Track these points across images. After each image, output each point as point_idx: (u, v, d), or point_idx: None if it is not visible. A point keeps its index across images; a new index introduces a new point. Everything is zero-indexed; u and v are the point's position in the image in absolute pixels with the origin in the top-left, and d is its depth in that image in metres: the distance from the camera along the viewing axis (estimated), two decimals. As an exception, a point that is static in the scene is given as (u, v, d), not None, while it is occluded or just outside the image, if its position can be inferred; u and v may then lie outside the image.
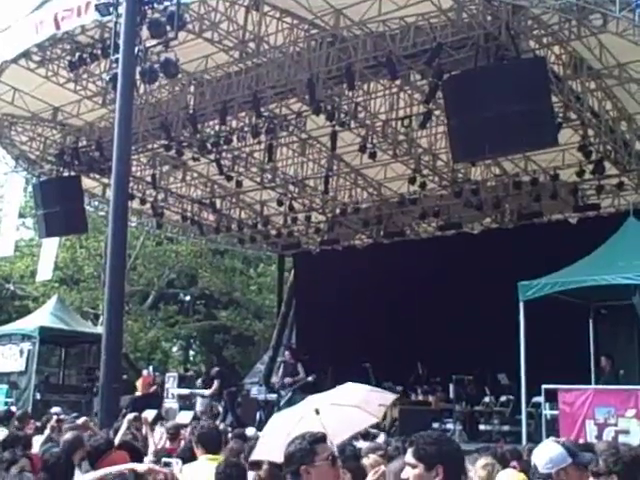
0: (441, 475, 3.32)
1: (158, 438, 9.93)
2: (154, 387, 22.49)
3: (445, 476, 3.32)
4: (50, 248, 25.24)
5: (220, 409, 19.25)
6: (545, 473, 5.09)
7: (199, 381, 21.71)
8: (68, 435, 7.25)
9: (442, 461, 3.35)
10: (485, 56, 13.42)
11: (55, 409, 16.63)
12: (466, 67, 13.78)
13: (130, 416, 9.01)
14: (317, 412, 6.05)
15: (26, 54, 16.15)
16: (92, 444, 6.75)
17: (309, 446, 3.95)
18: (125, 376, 23.28)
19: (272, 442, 6.74)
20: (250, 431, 10.59)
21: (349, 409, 6.75)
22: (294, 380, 18.25)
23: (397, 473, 4.08)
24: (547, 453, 5.19)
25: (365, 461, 6.48)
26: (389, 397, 7.47)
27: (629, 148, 17.67)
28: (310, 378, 18.03)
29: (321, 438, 4.05)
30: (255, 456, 6.80)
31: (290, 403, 17.46)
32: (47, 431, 8.93)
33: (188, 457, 7.10)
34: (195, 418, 16.87)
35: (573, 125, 16.67)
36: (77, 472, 6.38)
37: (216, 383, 19.37)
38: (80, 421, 9.82)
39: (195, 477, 5.92)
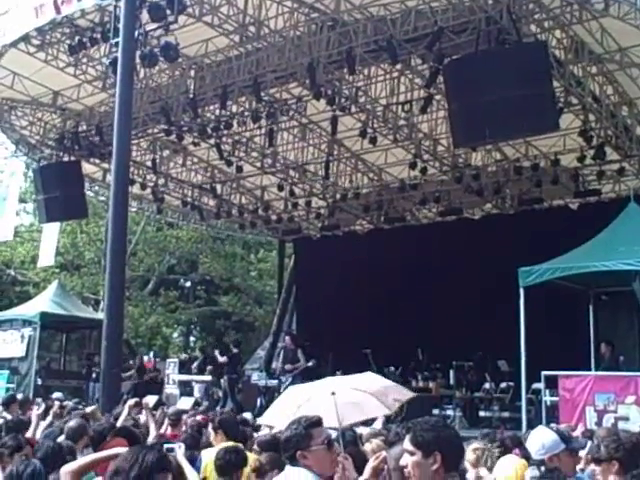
0: (439, 462, 3.30)
1: (159, 423, 9.94)
2: (154, 373, 22.55)
3: (443, 462, 3.30)
4: (51, 234, 25.21)
5: (220, 394, 19.32)
6: (538, 459, 5.10)
7: (194, 365, 21.72)
8: (72, 422, 7.23)
9: (439, 448, 3.33)
10: (486, 40, 13.33)
11: (57, 394, 16.70)
12: (467, 51, 13.69)
13: (131, 402, 9.01)
14: (333, 393, 6.10)
15: (25, 38, 16.06)
16: (96, 429, 6.76)
17: (304, 431, 3.95)
18: (132, 362, 23.33)
19: (280, 410, 6.83)
20: (246, 416, 10.61)
21: (365, 395, 6.87)
22: (294, 367, 18.27)
23: (398, 458, 4.07)
24: (540, 439, 5.20)
25: (367, 446, 6.49)
26: (406, 393, 7.55)
27: (630, 133, 17.62)
28: (310, 363, 18.04)
29: (317, 422, 4.06)
30: (261, 420, 6.95)
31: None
32: (49, 417, 8.90)
33: (192, 443, 7.15)
34: (196, 404, 16.97)
35: (574, 110, 16.60)
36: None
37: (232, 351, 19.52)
38: (89, 409, 9.80)
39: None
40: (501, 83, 12.50)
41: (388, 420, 14.86)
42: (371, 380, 7.27)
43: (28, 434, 7.48)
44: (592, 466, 5.03)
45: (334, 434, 7.16)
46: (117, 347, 12.08)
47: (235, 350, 20.10)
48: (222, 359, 19.57)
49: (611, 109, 16.91)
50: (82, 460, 4.28)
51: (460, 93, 13.31)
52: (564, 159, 19.72)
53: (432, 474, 3.31)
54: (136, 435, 6.51)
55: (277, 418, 6.82)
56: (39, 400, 13.81)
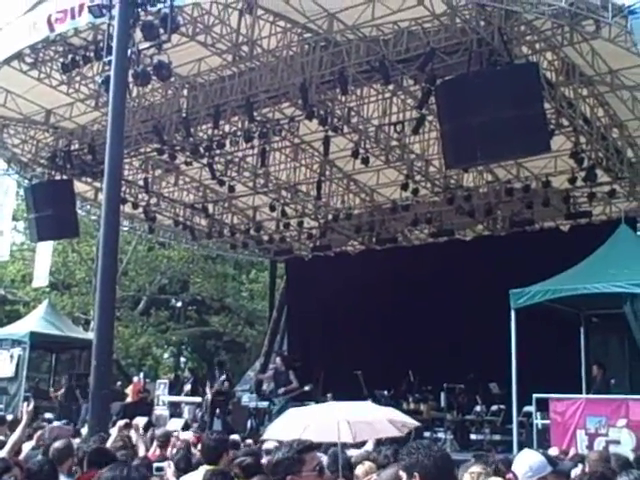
0: None
1: (148, 444, 9.86)
2: (144, 394, 22.38)
3: None
4: (45, 253, 25.13)
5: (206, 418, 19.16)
6: None
7: (187, 387, 21.46)
8: (58, 443, 7.14)
9: (418, 470, 3.44)
10: (478, 61, 13.39)
11: (47, 415, 16.56)
12: (459, 72, 13.75)
13: (121, 423, 8.93)
14: (343, 413, 6.21)
15: (19, 56, 16.07)
16: (85, 450, 6.67)
17: (297, 455, 3.89)
18: (119, 383, 23.17)
19: (286, 427, 6.83)
20: (234, 438, 10.52)
21: (377, 416, 7.00)
22: (286, 389, 18.15)
23: (389, 480, 4.06)
24: (527, 462, 5.17)
25: (359, 469, 6.47)
26: (412, 422, 7.85)
27: (621, 155, 17.67)
28: (307, 388, 17.95)
29: (309, 447, 3.99)
30: (267, 435, 6.94)
31: (281, 412, 17.44)
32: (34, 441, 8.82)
33: (183, 465, 7.08)
34: (186, 425, 16.83)
35: (565, 132, 16.66)
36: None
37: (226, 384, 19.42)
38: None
39: None
40: (493, 104, 12.54)
41: (379, 443, 14.80)
42: (377, 407, 7.49)
43: (16, 433, 7.50)
44: None
45: (325, 459, 7.14)
46: (107, 368, 11.96)
47: (225, 375, 19.88)
48: (224, 386, 19.44)
49: (602, 131, 16.97)
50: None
51: (452, 114, 13.34)
52: (555, 181, 19.77)
53: None
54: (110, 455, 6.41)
55: (284, 433, 6.79)
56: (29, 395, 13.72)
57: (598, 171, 18.04)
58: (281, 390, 18.15)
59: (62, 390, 21.96)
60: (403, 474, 3.52)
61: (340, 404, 7.53)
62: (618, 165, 17.76)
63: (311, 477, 3.86)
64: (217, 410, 18.94)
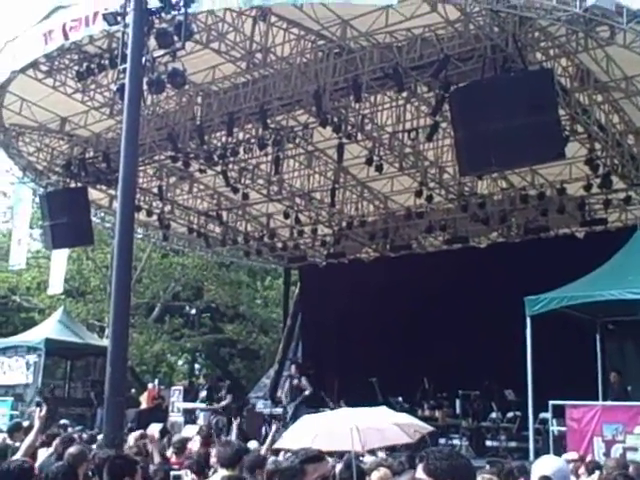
0: None
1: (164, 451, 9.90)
2: (159, 400, 22.41)
3: None
4: (60, 261, 25.23)
5: (224, 422, 19.17)
6: None
7: (203, 394, 21.46)
8: (72, 449, 7.16)
9: (452, 476, 3.28)
10: (492, 68, 13.37)
11: (63, 421, 16.61)
12: (473, 79, 13.73)
13: (136, 434, 8.96)
14: (353, 420, 6.16)
15: (34, 64, 16.16)
16: (100, 456, 6.68)
17: (299, 465, 3.82)
18: (133, 390, 23.19)
19: (298, 436, 6.84)
20: (252, 444, 10.53)
21: (387, 424, 6.95)
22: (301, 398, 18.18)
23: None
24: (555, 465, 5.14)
25: (374, 475, 6.47)
26: (426, 427, 7.88)
27: (636, 162, 17.60)
28: (307, 392, 17.89)
29: (313, 458, 3.93)
30: (279, 444, 6.96)
31: (295, 418, 17.42)
32: (52, 448, 8.84)
33: (198, 469, 7.11)
34: (200, 432, 16.81)
35: (580, 138, 16.63)
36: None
37: (229, 398, 19.42)
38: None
39: None
40: (507, 111, 12.50)
41: (393, 450, 14.76)
42: (390, 412, 7.42)
43: (29, 438, 7.55)
44: None
45: (339, 466, 7.14)
46: (121, 374, 11.98)
47: (229, 396, 19.92)
48: (225, 402, 19.49)
49: (617, 138, 16.91)
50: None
51: (466, 121, 13.32)
52: (570, 188, 19.69)
53: None
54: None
55: (295, 442, 6.80)
56: (40, 400, 13.77)
57: (613, 178, 17.98)
58: (294, 403, 18.07)
59: None
60: (428, 479, 3.31)
61: (350, 411, 7.51)
62: (633, 172, 17.69)
63: None
64: (231, 417, 18.92)
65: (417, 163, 20.09)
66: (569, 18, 11.91)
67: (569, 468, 5.36)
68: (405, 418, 7.69)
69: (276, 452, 8.37)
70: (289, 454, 4.02)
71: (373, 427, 6.97)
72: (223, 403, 19.48)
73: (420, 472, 3.38)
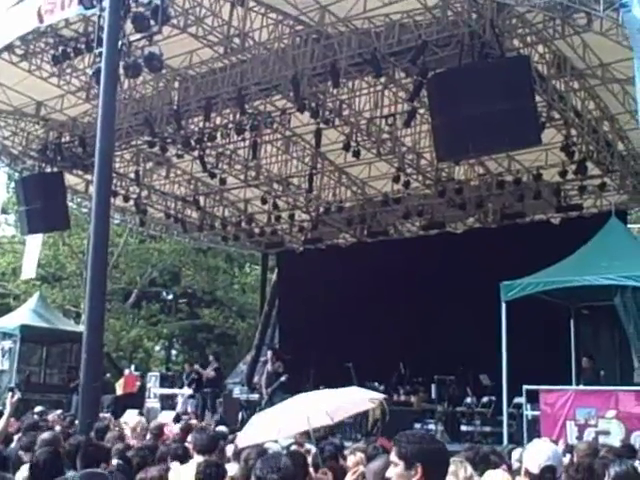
0: (419, 474, 3.32)
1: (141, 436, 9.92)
2: (137, 384, 22.41)
3: (423, 475, 3.32)
4: (34, 246, 25.03)
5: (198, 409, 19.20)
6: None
7: (186, 382, 21.38)
8: (45, 434, 7.14)
9: (421, 460, 3.35)
10: (469, 54, 13.40)
11: (38, 408, 16.53)
12: (450, 65, 13.75)
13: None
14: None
15: (9, 47, 15.97)
16: (72, 442, 6.66)
17: None
18: (108, 375, 23.11)
19: (259, 430, 6.92)
20: (221, 429, 10.57)
21: (345, 396, 7.15)
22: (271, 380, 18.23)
23: (377, 472, 4.05)
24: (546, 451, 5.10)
25: (351, 459, 6.52)
26: (378, 395, 8.33)
27: (611, 148, 17.73)
28: (283, 378, 17.94)
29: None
30: (239, 443, 6.98)
31: (271, 403, 17.49)
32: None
33: (180, 455, 7.13)
34: (177, 418, 16.86)
35: (556, 125, 16.73)
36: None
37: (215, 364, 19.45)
38: None
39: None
40: (484, 97, 12.56)
41: (368, 433, 14.87)
42: (339, 389, 7.62)
43: (0, 424, 7.55)
44: None
45: (313, 449, 7.20)
46: (97, 360, 11.96)
47: (216, 364, 19.98)
48: (208, 373, 19.46)
49: (593, 124, 17.02)
50: None
51: (443, 107, 13.35)
52: (546, 174, 19.82)
53: None
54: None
55: (259, 437, 6.88)
56: (13, 386, 13.72)
57: (589, 164, 18.12)
58: (270, 388, 18.09)
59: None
60: (399, 462, 3.41)
61: (302, 397, 7.64)
62: (609, 158, 17.83)
63: None
64: (208, 402, 18.96)
65: (394, 149, 20.09)
66: (546, 5, 11.95)
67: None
68: (356, 389, 7.94)
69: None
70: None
71: (334, 403, 7.10)
72: (209, 372, 19.40)
73: (393, 455, 3.47)
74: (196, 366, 20.43)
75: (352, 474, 5.93)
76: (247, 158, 21.33)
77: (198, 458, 6.41)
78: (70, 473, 4.18)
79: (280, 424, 7.06)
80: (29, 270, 25.66)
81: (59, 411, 15.16)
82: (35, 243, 24.85)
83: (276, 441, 7.55)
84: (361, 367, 19.23)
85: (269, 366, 18.61)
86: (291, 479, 3.83)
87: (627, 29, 10.87)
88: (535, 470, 4.85)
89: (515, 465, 7.18)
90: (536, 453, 4.99)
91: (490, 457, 6.82)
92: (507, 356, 12.92)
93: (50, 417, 13.16)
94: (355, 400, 7.67)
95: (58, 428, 10.26)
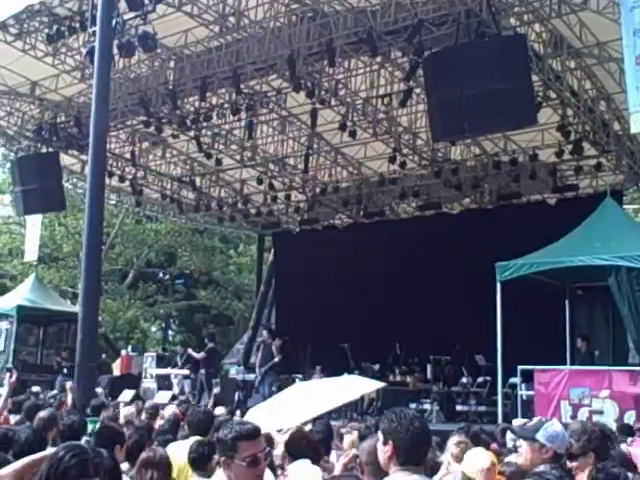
0: (390, 451, 3.50)
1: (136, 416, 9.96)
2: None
3: (394, 451, 3.49)
4: (35, 227, 25.00)
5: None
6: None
7: (180, 363, 21.41)
8: (42, 413, 7.15)
9: (394, 438, 3.51)
10: (466, 33, 13.32)
11: (35, 388, 16.58)
12: (447, 44, 13.68)
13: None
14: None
15: (3, 27, 15.90)
16: (65, 422, 6.67)
17: (231, 442, 3.79)
18: (104, 355, 23.15)
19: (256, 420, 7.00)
20: (219, 410, 10.61)
21: (344, 383, 7.19)
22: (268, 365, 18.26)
23: (370, 452, 4.09)
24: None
25: (347, 438, 6.56)
26: (377, 385, 8.67)
27: (608, 128, 17.67)
28: (276, 359, 17.98)
29: (246, 436, 3.82)
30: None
31: (263, 383, 17.59)
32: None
33: (171, 434, 7.16)
34: (173, 398, 16.92)
35: (553, 105, 16.67)
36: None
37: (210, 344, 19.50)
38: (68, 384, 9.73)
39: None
40: (480, 77, 12.50)
41: (364, 413, 14.95)
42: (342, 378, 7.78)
43: None
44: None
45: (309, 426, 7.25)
46: (93, 340, 12.01)
47: (211, 344, 19.99)
48: (199, 355, 19.50)
49: (589, 104, 16.97)
50: (24, 461, 4.03)
51: (439, 86, 13.31)
52: (542, 154, 19.80)
53: (386, 460, 3.53)
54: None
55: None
56: (11, 366, 13.77)
57: (585, 144, 18.08)
58: (263, 368, 18.11)
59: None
60: (380, 436, 3.59)
61: (301, 388, 7.80)
62: (605, 138, 17.77)
63: (240, 467, 3.73)
64: (204, 383, 19.00)
65: (391, 129, 20.05)
66: (543, -17, 11.90)
67: None
68: (355, 377, 8.09)
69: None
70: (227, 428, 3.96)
71: (337, 387, 7.17)
72: (202, 354, 19.44)
73: (379, 433, 3.65)
74: (189, 350, 20.46)
75: (344, 457, 5.98)
76: (243, 138, 21.28)
77: (193, 439, 6.44)
78: (50, 449, 4.15)
79: (281, 415, 7.10)
80: (32, 252, 25.66)
81: (53, 392, 15.20)
82: (35, 224, 24.83)
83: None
84: (357, 347, 19.30)
85: (266, 346, 18.64)
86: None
87: (623, 7, 10.82)
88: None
89: (509, 444, 7.23)
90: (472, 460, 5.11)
91: (481, 436, 6.86)
92: (502, 336, 12.98)
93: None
94: (353, 389, 7.74)
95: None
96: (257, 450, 3.80)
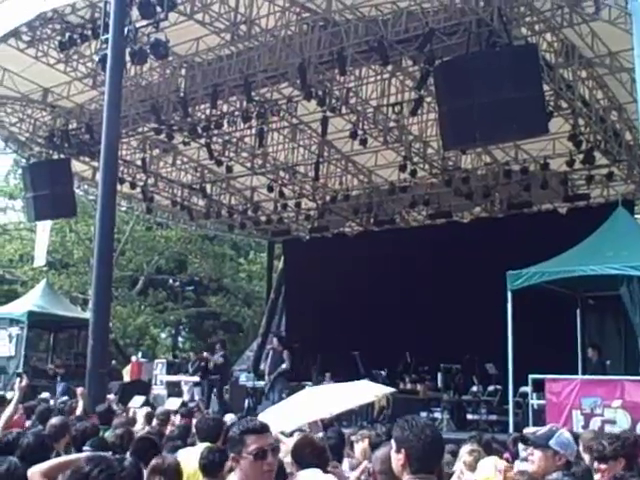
0: (402, 459, 3.48)
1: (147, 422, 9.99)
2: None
3: (407, 460, 3.48)
4: (44, 233, 25.08)
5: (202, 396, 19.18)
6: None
7: (191, 370, 21.36)
8: (54, 420, 7.15)
9: (406, 446, 3.50)
10: (477, 42, 13.33)
11: (44, 395, 16.58)
12: (458, 53, 13.69)
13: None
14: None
15: (15, 34, 15.97)
16: (78, 428, 6.68)
17: (238, 437, 3.81)
18: (114, 361, 23.15)
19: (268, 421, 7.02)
20: (229, 417, 10.59)
21: (355, 387, 7.20)
22: (278, 372, 18.19)
23: (383, 460, 4.10)
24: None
25: (358, 446, 6.54)
26: (386, 390, 8.56)
27: (619, 138, 17.64)
28: (284, 366, 17.94)
29: (253, 429, 3.84)
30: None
31: (273, 390, 17.55)
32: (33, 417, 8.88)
33: (181, 441, 7.16)
34: (183, 405, 16.89)
35: (564, 114, 16.66)
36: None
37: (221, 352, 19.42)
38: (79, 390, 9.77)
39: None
40: (491, 86, 12.50)
41: (374, 421, 14.91)
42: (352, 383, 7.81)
43: (9, 408, 7.53)
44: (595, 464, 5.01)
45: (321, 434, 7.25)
46: (104, 347, 12.03)
47: (223, 351, 19.96)
48: (218, 359, 19.44)
49: (600, 114, 16.94)
50: (52, 461, 4.06)
51: (450, 95, 13.31)
52: (553, 163, 19.76)
53: (400, 468, 3.51)
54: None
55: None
56: (21, 371, 13.78)
57: (596, 154, 18.07)
58: (272, 375, 18.08)
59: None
60: (393, 444, 3.59)
61: (311, 391, 7.89)
62: (616, 148, 17.73)
63: (248, 460, 3.73)
64: (214, 389, 18.97)
65: (401, 137, 20.07)
66: (554, -7, 11.90)
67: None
68: (365, 382, 8.16)
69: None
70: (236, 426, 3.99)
71: (348, 392, 7.22)
72: (217, 358, 19.36)
73: (392, 441, 3.65)
74: (205, 353, 20.39)
75: (358, 471, 5.99)
76: (254, 146, 21.30)
77: (202, 445, 6.43)
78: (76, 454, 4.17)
79: (289, 416, 7.12)
80: (40, 258, 25.76)
81: (64, 398, 15.19)
82: (45, 230, 24.92)
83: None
84: (367, 355, 19.25)
85: (275, 354, 18.61)
86: None
87: (635, 17, 10.81)
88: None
89: (522, 454, 7.21)
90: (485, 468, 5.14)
91: (493, 445, 6.85)
92: (513, 345, 12.94)
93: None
94: (362, 393, 7.78)
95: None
96: (264, 443, 3.80)
